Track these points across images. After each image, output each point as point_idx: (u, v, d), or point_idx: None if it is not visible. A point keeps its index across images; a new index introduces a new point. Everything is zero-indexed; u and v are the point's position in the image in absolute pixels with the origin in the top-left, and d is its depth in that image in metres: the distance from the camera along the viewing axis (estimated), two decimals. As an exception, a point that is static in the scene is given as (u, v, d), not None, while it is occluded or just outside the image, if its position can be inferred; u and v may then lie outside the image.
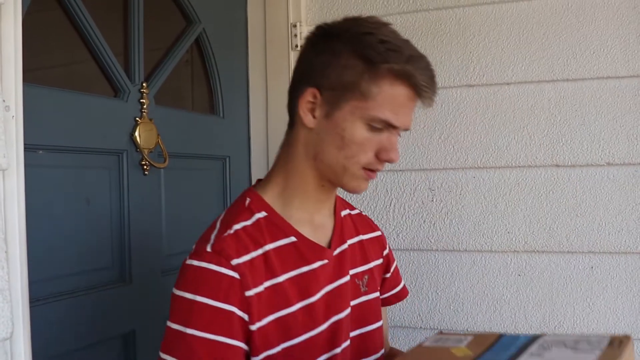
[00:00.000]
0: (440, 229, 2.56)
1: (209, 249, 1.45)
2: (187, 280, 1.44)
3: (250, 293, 1.42)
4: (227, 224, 1.52)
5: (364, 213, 1.90)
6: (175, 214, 2.37)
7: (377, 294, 1.77)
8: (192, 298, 1.39)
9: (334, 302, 1.60)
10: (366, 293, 1.71)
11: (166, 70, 2.37)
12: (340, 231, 1.68)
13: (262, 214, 1.56)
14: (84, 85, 2.07)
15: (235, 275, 1.41)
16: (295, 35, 2.72)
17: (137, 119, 2.18)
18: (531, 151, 2.43)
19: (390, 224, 2.61)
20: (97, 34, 2.05)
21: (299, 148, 1.58)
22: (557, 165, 2.40)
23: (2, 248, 1.43)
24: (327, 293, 1.58)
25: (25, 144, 1.55)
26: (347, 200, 1.87)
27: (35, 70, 1.83)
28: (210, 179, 2.61)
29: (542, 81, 2.42)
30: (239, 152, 2.78)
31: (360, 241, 1.76)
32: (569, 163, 2.39)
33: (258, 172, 2.79)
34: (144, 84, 2.22)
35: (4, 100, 1.47)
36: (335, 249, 1.63)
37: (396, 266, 1.93)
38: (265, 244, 1.50)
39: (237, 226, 1.51)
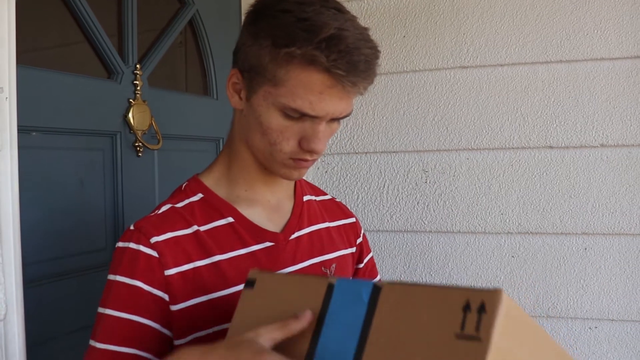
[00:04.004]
0: (433, 211, 2.56)
1: (132, 227, 1.40)
2: (113, 262, 1.38)
3: (170, 272, 1.35)
4: (157, 207, 1.49)
5: (337, 199, 1.78)
6: (169, 195, 2.36)
7: None
8: (112, 279, 1.35)
9: None
10: None
11: (160, 51, 2.36)
12: (298, 216, 1.59)
13: (198, 197, 1.51)
14: (77, 67, 2.07)
15: (154, 253, 1.35)
16: (289, 17, 2.71)
17: (131, 100, 2.17)
18: (525, 133, 2.44)
19: (383, 206, 2.61)
20: (90, 15, 2.03)
21: (235, 130, 1.51)
22: (551, 147, 2.40)
23: (-4, 230, 1.43)
24: None
25: (18, 126, 1.55)
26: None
27: (29, 52, 1.83)
28: (204, 161, 2.59)
29: (535, 63, 2.42)
30: (233, 134, 2.76)
31: (327, 228, 1.65)
32: (563, 144, 2.39)
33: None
34: (138, 66, 2.21)
35: (-3, 82, 1.47)
36: (290, 234, 1.54)
37: (372, 258, 1.81)
38: (195, 223, 1.44)
39: (164, 207, 1.48)
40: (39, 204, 1.83)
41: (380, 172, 2.62)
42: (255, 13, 1.42)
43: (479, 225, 2.49)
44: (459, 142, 2.52)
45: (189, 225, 1.43)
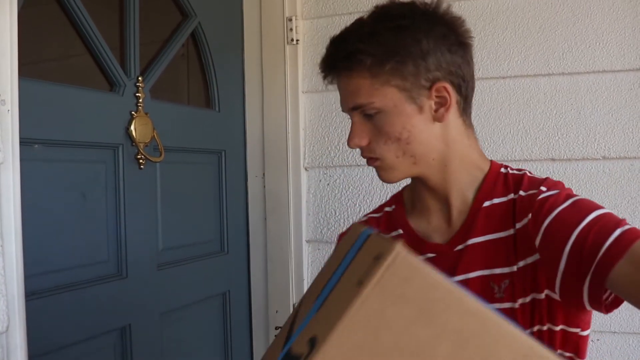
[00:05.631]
0: (436, 223, 2.55)
1: None
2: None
3: None
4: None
5: (544, 191, 1.43)
6: (171, 208, 2.37)
7: (520, 301, 1.41)
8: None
9: None
10: (501, 300, 1.41)
11: (162, 64, 2.37)
12: (469, 225, 1.48)
13: (391, 208, 1.62)
14: (79, 79, 2.07)
15: None
16: (291, 30, 2.72)
17: (133, 112, 2.18)
18: (527, 145, 2.43)
19: (386, 218, 2.61)
20: (92, 27, 2.05)
21: None
22: (553, 159, 2.40)
23: (-2, 242, 1.43)
24: None
25: (20, 138, 1.55)
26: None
27: (31, 64, 1.83)
28: (206, 173, 2.61)
29: (538, 75, 2.42)
30: (235, 146, 2.78)
31: (506, 237, 1.44)
32: (565, 157, 2.39)
33: (253, 166, 2.79)
34: (140, 78, 2.22)
35: (-1, 94, 1.47)
36: (456, 245, 1.47)
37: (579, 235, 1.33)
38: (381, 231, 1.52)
39: (368, 215, 1.67)
40: (41, 216, 1.84)
41: (383, 185, 2.62)
42: None
43: (481, 237, 2.49)
44: (461, 155, 2.51)
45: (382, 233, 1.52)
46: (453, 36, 1.44)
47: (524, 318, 1.40)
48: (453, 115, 1.45)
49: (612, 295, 1.27)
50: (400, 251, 0.85)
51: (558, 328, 1.40)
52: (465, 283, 1.43)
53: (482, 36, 2.48)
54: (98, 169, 2.09)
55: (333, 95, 2.68)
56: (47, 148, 1.89)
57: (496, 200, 1.46)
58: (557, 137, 2.40)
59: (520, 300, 1.39)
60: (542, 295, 1.37)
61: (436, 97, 1.42)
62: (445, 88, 1.41)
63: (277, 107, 2.76)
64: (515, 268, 1.39)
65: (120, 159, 2.15)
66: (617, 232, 1.24)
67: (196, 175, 2.55)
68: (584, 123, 2.37)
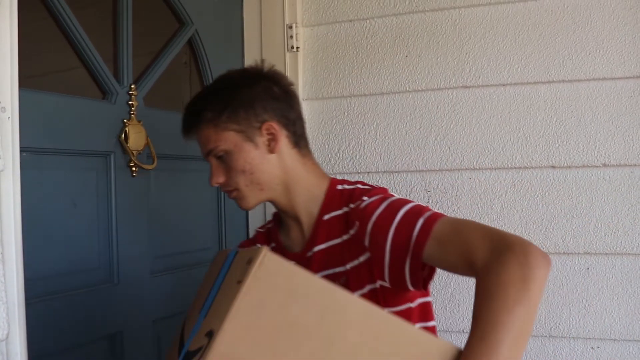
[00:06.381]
0: (436, 230, 2.55)
1: None
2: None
3: None
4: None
5: (360, 204, 1.76)
6: (165, 215, 2.40)
7: (357, 293, 1.73)
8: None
9: None
10: None
11: (156, 72, 2.38)
12: (314, 235, 1.83)
13: (270, 225, 2.01)
14: (73, 89, 2.11)
15: None
16: (291, 37, 2.72)
17: (125, 120, 2.20)
18: (527, 152, 2.44)
19: (386, 225, 2.61)
20: (84, 39, 2.07)
21: None
22: (553, 167, 2.40)
23: (-2, 249, 1.43)
24: None
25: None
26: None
27: (25, 77, 1.85)
28: (199, 180, 2.60)
29: (538, 82, 2.43)
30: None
31: (342, 243, 1.80)
32: (565, 164, 2.39)
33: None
34: (133, 86, 2.24)
35: (-1, 102, 1.47)
36: (306, 252, 1.83)
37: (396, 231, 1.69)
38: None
39: (257, 230, 2.06)
40: (34, 223, 1.84)
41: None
42: None
43: (482, 244, 2.48)
44: (461, 162, 2.52)
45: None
46: (276, 87, 1.84)
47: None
48: (285, 147, 1.82)
49: (426, 273, 1.65)
50: (266, 252, 1.22)
51: (395, 309, 1.74)
52: None
53: (482, 44, 2.49)
54: (90, 177, 2.11)
55: (333, 102, 2.68)
56: (36, 156, 1.90)
57: (333, 214, 1.81)
58: (557, 145, 2.40)
59: (357, 292, 1.72)
60: (377, 285, 1.72)
61: (267, 134, 1.79)
62: (272, 126, 1.79)
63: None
64: (348, 267, 1.75)
65: (112, 166, 2.18)
66: (421, 220, 1.60)
67: (190, 183, 2.55)
68: (584, 130, 2.37)
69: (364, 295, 1.72)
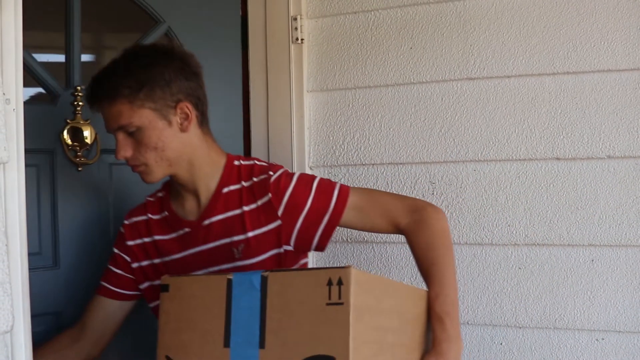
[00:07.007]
0: (440, 222, 2.55)
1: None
2: None
3: (130, 243, 2.16)
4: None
5: (265, 177, 2.05)
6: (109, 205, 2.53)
7: (258, 258, 2.02)
8: None
9: (195, 262, 2.06)
10: (240, 259, 2.01)
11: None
12: (213, 206, 2.05)
13: (162, 194, 2.19)
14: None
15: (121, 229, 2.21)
16: (296, 29, 2.72)
17: (68, 120, 2.34)
18: (532, 144, 2.43)
19: (390, 217, 2.60)
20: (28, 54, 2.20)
21: None
22: (558, 158, 2.40)
23: (3, 241, 1.43)
24: (191, 254, 2.07)
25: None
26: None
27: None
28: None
29: (542, 74, 2.42)
30: (239, 146, 2.79)
31: (242, 213, 2.03)
32: (570, 156, 2.39)
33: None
34: (79, 87, 2.35)
35: (4, 94, 1.47)
36: (203, 221, 2.05)
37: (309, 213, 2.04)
38: (151, 214, 2.16)
39: (147, 199, 2.22)
40: None
41: (387, 184, 2.62)
42: None
43: (486, 237, 2.49)
44: (466, 154, 2.52)
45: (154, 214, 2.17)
46: (187, 68, 1.99)
47: (271, 267, 1.98)
48: (194, 126, 2.00)
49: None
50: (354, 270, 1.37)
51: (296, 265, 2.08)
52: (215, 249, 2.04)
53: (486, 35, 2.48)
54: (31, 171, 2.17)
55: (338, 94, 2.68)
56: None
57: (232, 187, 2.05)
58: (561, 136, 2.39)
59: (257, 258, 2.00)
60: (282, 250, 2.01)
61: (180, 113, 1.96)
62: (187, 106, 1.96)
63: (282, 106, 2.77)
64: (250, 235, 2.00)
65: (58, 162, 2.33)
66: (336, 191, 2.01)
67: (135, 176, 2.55)
68: (588, 122, 2.37)
69: (267, 259, 2.01)
